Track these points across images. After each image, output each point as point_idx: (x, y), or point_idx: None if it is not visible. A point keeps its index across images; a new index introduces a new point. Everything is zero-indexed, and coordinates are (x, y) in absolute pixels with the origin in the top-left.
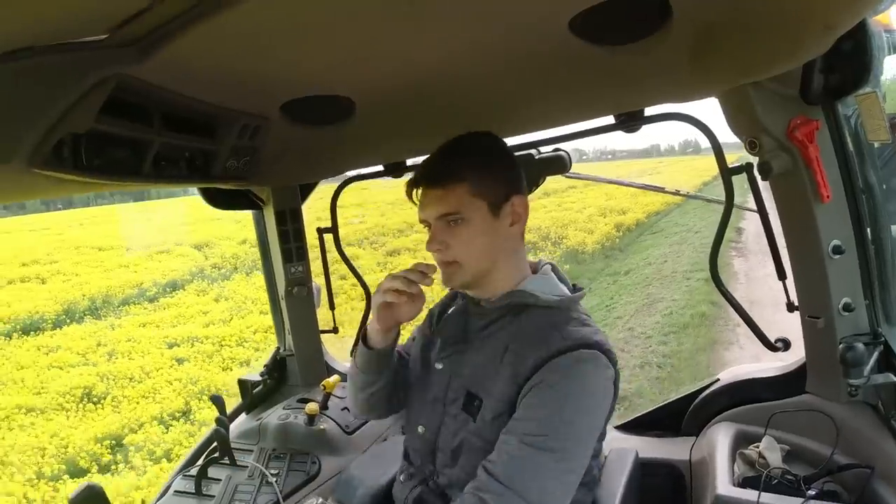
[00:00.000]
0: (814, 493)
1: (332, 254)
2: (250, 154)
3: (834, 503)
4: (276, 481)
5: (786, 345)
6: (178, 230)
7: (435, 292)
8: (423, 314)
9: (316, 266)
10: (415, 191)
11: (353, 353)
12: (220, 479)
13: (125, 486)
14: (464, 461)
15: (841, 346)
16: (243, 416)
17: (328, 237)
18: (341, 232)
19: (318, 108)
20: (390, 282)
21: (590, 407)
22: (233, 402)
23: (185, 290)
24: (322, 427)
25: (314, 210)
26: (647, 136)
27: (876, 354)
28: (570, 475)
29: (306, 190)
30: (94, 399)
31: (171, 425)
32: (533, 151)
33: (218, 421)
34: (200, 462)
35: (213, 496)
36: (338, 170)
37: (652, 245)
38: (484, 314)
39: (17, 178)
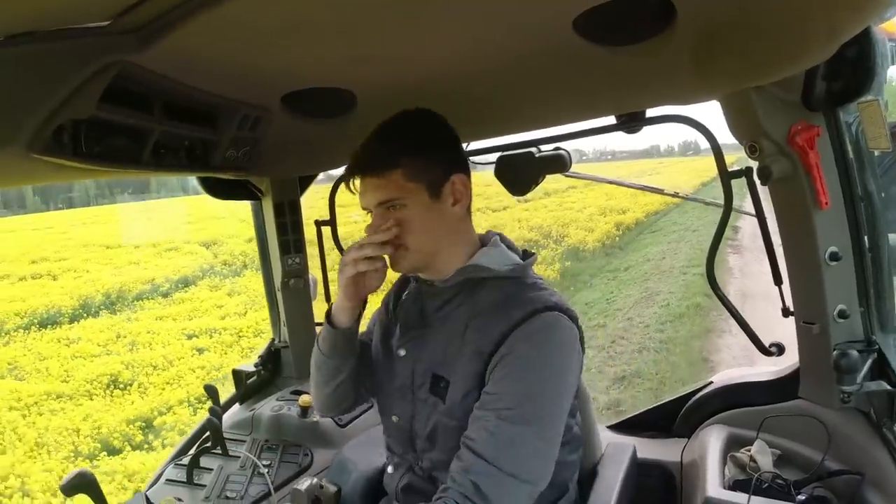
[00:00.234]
0: (804, 497)
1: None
2: (250, 145)
3: None
4: (267, 472)
5: (780, 349)
6: (183, 229)
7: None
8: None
9: (314, 264)
10: (352, 180)
11: (317, 341)
12: (211, 469)
13: (162, 460)
14: (442, 443)
15: (835, 352)
16: (237, 406)
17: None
18: (340, 231)
19: (319, 101)
20: (358, 251)
21: (561, 368)
22: None
23: (197, 285)
24: (315, 419)
25: (315, 210)
26: (647, 136)
27: (869, 362)
28: (552, 441)
29: (305, 182)
30: (121, 385)
31: (199, 408)
32: (533, 150)
33: (211, 411)
34: (193, 451)
35: (205, 485)
36: (337, 163)
37: (651, 243)
38: (438, 294)
39: (17, 164)
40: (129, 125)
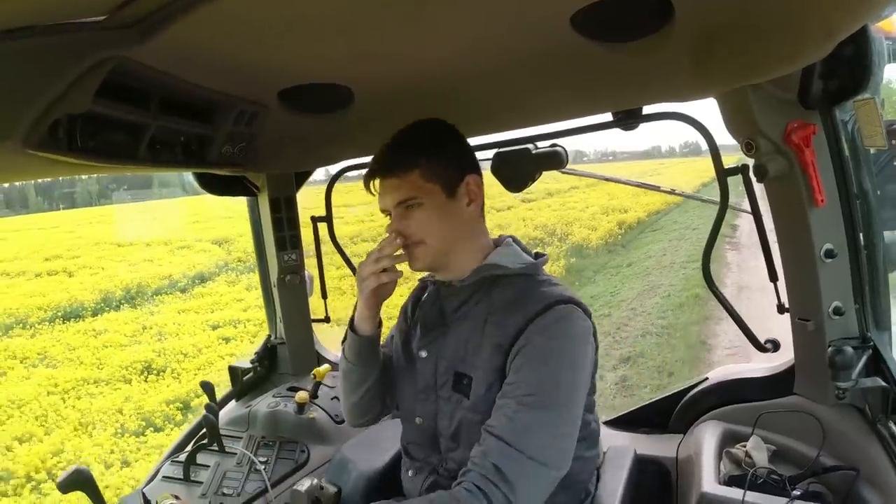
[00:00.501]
0: (799, 493)
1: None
2: (246, 140)
3: None
4: (264, 469)
5: (775, 346)
6: (192, 228)
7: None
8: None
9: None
10: (372, 182)
11: (343, 350)
12: (208, 466)
13: None
14: (465, 440)
15: (830, 349)
16: (233, 402)
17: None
18: (344, 231)
19: (316, 97)
20: (375, 264)
21: (576, 358)
22: None
23: (214, 281)
24: (311, 416)
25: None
26: (647, 137)
27: (864, 358)
28: (569, 428)
29: (301, 178)
30: (155, 371)
31: None
32: (530, 146)
33: (207, 407)
34: (189, 448)
35: (202, 482)
36: (334, 159)
37: (652, 241)
38: (457, 294)
39: (12, 159)
40: (125, 120)
